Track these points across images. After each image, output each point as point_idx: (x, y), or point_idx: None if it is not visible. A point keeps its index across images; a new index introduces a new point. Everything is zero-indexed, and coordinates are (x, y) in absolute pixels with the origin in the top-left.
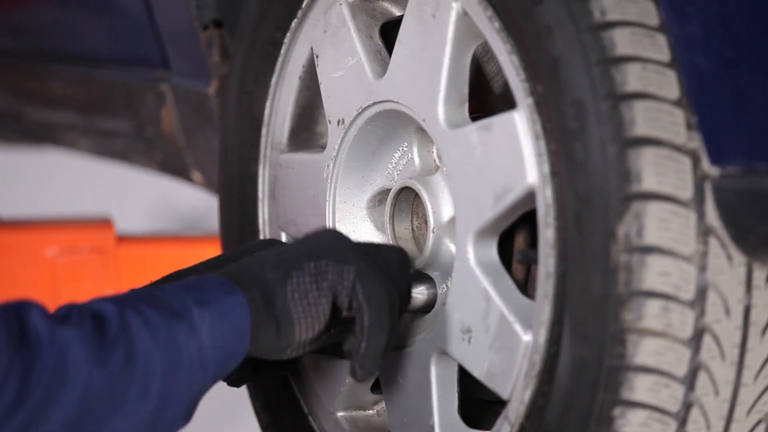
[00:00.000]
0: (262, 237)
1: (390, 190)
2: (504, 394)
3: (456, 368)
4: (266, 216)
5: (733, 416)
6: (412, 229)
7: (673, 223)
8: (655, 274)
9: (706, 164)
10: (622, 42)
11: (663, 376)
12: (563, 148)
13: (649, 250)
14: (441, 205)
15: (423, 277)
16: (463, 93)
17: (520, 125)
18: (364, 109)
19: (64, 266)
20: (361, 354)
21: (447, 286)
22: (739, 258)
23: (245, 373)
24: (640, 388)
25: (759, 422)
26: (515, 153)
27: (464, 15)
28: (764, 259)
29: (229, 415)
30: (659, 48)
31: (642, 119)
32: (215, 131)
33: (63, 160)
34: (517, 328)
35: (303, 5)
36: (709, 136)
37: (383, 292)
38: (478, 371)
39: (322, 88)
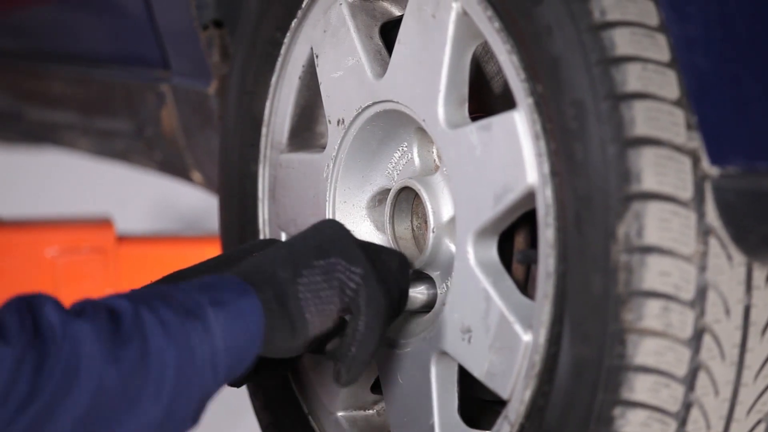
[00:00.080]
0: (262, 237)
1: (390, 190)
2: (504, 394)
3: (456, 368)
4: (266, 216)
5: (733, 416)
6: (412, 229)
7: (673, 223)
8: (655, 274)
9: (706, 164)
10: (622, 42)
11: (663, 376)
12: (563, 148)
13: (649, 250)
14: (441, 205)
15: (423, 277)
16: (463, 93)
17: (520, 125)
18: (364, 109)
19: (64, 266)
20: (349, 358)
21: (447, 286)
22: (739, 258)
23: (246, 373)
24: (640, 388)
25: (759, 422)
26: (515, 153)
27: (464, 15)
28: (764, 259)
29: (229, 415)
30: (659, 48)
31: (642, 119)
32: (215, 131)
33: (63, 160)
34: (517, 328)
35: (303, 5)
36: (709, 136)
37: (382, 298)
38: (478, 371)
39: (322, 88)
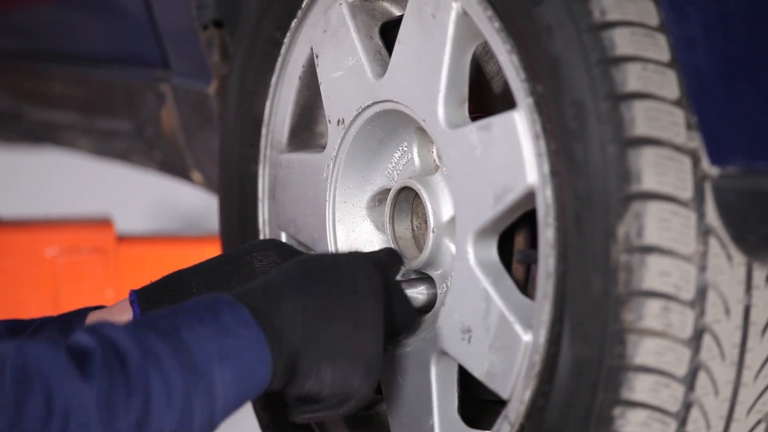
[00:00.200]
0: (262, 237)
1: (390, 189)
2: (504, 394)
3: (456, 368)
4: (266, 216)
5: (733, 416)
6: (412, 229)
7: (673, 223)
8: (655, 274)
9: (706, 164)
10: (622, 42)
11: (663, 376)
12: (563, 148)
13: (649, 250)
14: (441, 205)
15: (423, 277)
16: (463, 93)
17: (520, 125)
18: (364, 109)
19: (64, 266)
20: (310, 415)
21: (447, 286)
22: (739, 258)
23: None
24: (640, 388)
25: (759, 422)
26: (515, 153)
27: (464, 15)
28: (764, 259)
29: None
30: (659, 48)
31: (642, 119)
32: (215, 131)
33: (63, 160)
34: (517, 328)
35: (303, 5)
36: (709, 136)
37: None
38: (478, 371)
39: (322, 88)
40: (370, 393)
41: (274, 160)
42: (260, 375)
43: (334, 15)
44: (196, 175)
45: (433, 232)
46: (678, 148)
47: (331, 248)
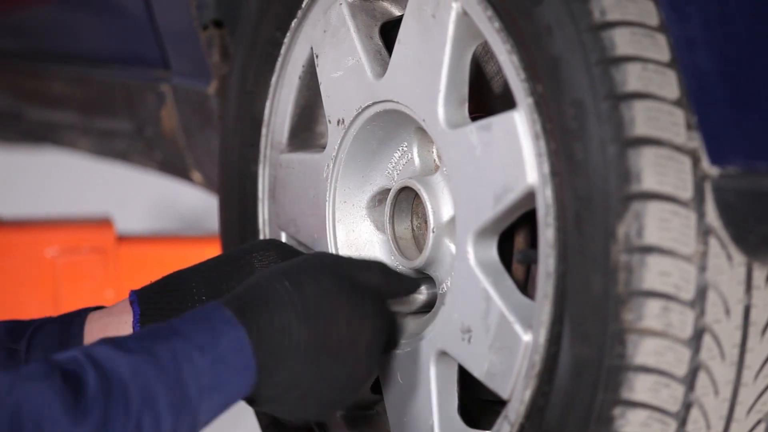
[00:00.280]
0: (262, 237)
1: (390, 189)
2: (504, 394)
3: (456, 368)
4: (266, 216)
5: (733, 416)
6: (412, 229)
7: (673, 223)
8: (655, 274)
9: (706, 164)
10: (622, 42)
11: (663, 376)
12: (563, 148)
13: (649, 250)
14: (441, 205)
15: (423, 277)
16: (463, 93)
17: (520, 125)
18: (364, 109)
19: (64, 266)
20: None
21: (447, 286)
22: (739, 258)
23: None
24: (640, 388)
25: (759, 422)
26: (515, 153)
27: (464, 15)
28: (764, 259)
29: (229, 415)
30: (659, 48)
31: (642, 119)
32: (215, 131)
33: (63, 160)
34: (517, 328)
35: (303, 5)
36: (709, 136)
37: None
38: (478, 371)
39: (322, 87)
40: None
41: (274, 160)
42: (243, 392)
43: (334, 15)
44: (196, 175)
45: (433, 232)
46: (678, 148)
47: (331, 248)
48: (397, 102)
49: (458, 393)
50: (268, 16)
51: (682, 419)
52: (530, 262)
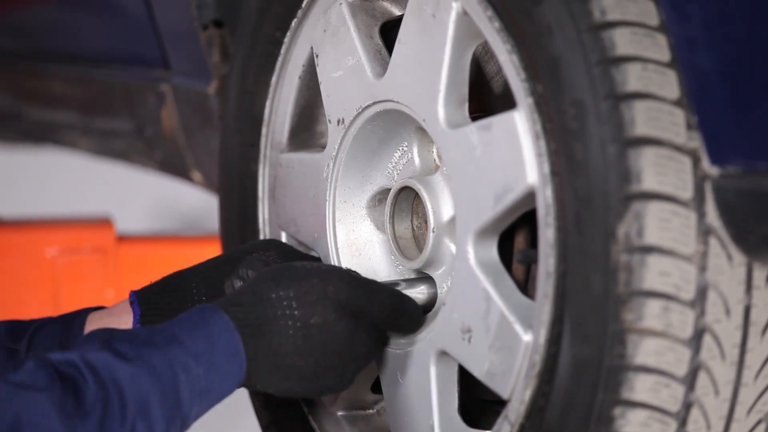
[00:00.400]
0: (262, 236)
1: (390, 189)
2: (504, 394)
3: (456, 368)
4: (266, 215)
5: (734, 416)
6: (412, 229)
7: (673, 223)
8: (655, 274)
9: (706, 164)
10: (623, 42)
11: (663, 376)
12: (563, 148)
13: (650, 250)
14: (441, 205)
15: (423, 277)
16: (463, 93)
17: (520, 125)
18: (364, 109)
19: (64, 266)
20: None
21: (447, 285)
22: (739, 258)
23: None
24: (641, 388)
25: (759, 422)
26: (515, 153)
27: (464, 15)
28: (764, 259)
29: (229, 414)
30: (659, 48)
31: (642, 119)
32: (215, 131)
33: (63, 160)
34: (518, 327)
35: (303, 5)
36: (710, 136)
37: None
38: (478, 371)
39: (322, 87)
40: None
41: (275, 159)
42: (230, 392)
43: (334, 14)
44: (197, 175)
45: (433, 231)
46: (678, 148)
47: (331, 248)
48: (398, 102)
49: (458, 393)
50: (268, 16)
51: (683, 419)
52: (530, 262)
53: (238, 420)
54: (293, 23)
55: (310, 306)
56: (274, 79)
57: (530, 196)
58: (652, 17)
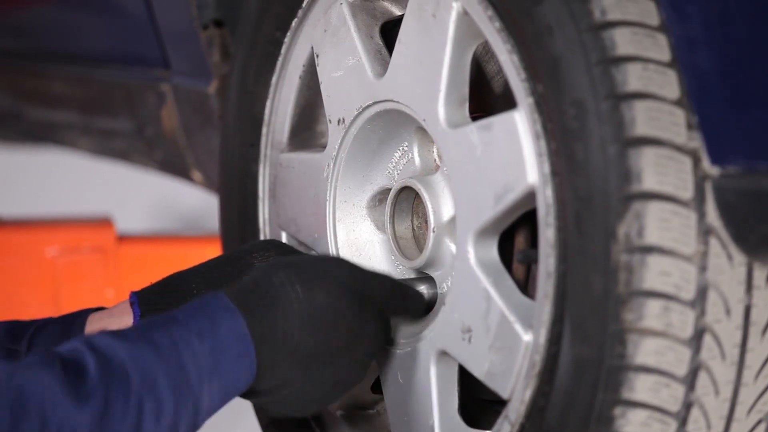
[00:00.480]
0: (262, 236)
1: (390, 189)
2: (504, 394)
3: (456, 368)
4: (266, 215)
5: (734, 416)
6: (413, 229)
7: (673, 223)
8: (655, 273)
9: (706, 164)
10: (623, 42)
11: (663, 375)
12: (564, 147)
13: (650, 249)
14: (441, 205)
15: (423, 277)
16: (464, 92)
17: (520, 125)
18: (364, 109)
19: (64, 266)
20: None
21: (447, 285)
22: (739, 258)
23: None
24: (641, 387)
25: (759, 422)
26: (516, 153)
27: (464, 15)
28: (764, 259)
29: (229, 414)
30: (660, 48)
31: (642, 119)
32: (216, 131)
33: (63, 160)
34: (518, 327)
35: (303, 5)
36: (710, 136)
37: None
38: (478, 371)
39: (322, 87)
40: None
41: (275, 159)
42: (244, 382)
43: (335, 14)
44: (197, 175)
45: (434, 231)
46: (678, 148)
47: (332, 248)
48: (398, 102)
49: (458, 393)
50: (268, 16)
51: (683, 419)
52: (531, 262)
53: (238, 420)
54: (293, 23)
55: (313, 286)
56: (274, 78)
57: (530, 195)
58: (653, 17)
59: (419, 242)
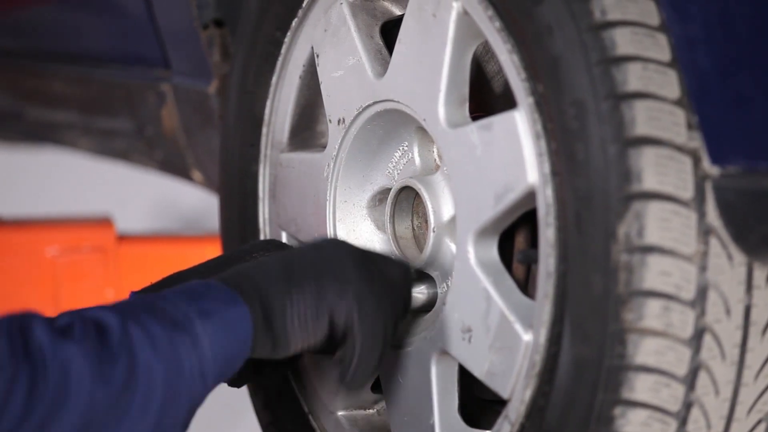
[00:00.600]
0: (262, 236)
1: (390, 189)
2: (504, 394)
3: (456, 368)
4: (267, 215)
5: (734, 416)
6: (413, 229)
7: (673, 223)
8: (655, 273)
9: (706, 164)
10: (623, 42)
11: (663, 375)
12: (564, 147)
13: (650, 249)
14: (441, 205)
15: (423, 277)
16: (464, 92)
17: (520, 125)
18: (364, 109)
19: (64, 266)
20: (351, 372)
21: (447, 285)
22: (739, 258)
23: (246, 373)
24: (641, 387)
25: (759, 422)
26: (516, 152)
27: (465, 14)
28: (764, 259)
29: (229, 414)
30: (660, 48)
31: (643, 119)
32: (216, 130)
33: (63, 160)
34: (518, 327)
35: (304, 4)
36: (710, 136)
37: (378, 316)
38: (478, 371)
39: (322, 87)
40: (355, 307)
41: (275, 159)
42: (242, 330)
43: (335, 14)
44: (197, 175)
45: (434, 231)
46: (679, 148)
47: None
48: (398, 101)
49: (458, 392)
50: (268, 16)
51: (683, 419)
52: (531, 262)
53: (238, 420)
54: (294, 23)
55: (316, 245)
56: (274, 78)
57: (531, 195)
58: (653, 17)
59: (419, 242)
